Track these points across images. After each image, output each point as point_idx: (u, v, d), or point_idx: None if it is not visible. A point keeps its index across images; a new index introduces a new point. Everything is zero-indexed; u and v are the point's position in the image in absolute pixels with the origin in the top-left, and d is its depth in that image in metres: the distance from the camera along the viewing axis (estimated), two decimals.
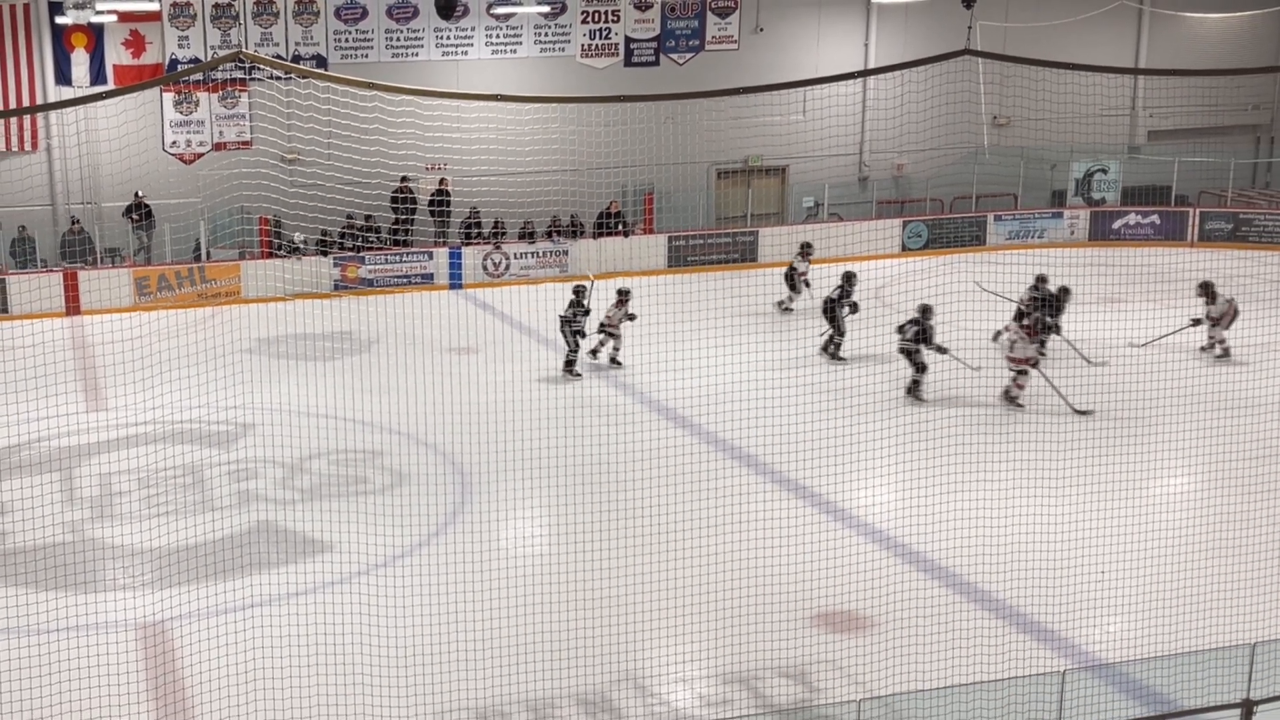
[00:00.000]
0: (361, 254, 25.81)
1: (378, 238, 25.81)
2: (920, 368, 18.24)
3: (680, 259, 27.70)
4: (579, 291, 20.21)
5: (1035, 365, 17.74)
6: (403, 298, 25.04)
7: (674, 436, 16.72)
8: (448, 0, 27.27)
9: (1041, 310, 19.29)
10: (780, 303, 23.59)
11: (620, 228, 27.74)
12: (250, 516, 14.30)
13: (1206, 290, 20.09)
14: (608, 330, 20.18)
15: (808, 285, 23.24)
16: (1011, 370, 17.80)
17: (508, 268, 26.82)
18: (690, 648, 11.36)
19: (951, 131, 26.16)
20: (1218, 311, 19.93)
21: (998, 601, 11.91)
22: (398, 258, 26.14)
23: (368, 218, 25.73)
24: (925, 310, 18.42)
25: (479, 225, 26.99)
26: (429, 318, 22.56)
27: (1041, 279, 20.35)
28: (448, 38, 27.99)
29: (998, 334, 19.53)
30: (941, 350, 17.99)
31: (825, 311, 20.79)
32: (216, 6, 26.46)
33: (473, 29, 28.09)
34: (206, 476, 15.64)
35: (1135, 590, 12.03)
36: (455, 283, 26.35)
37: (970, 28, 14.40)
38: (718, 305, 20.03)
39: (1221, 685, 8.79)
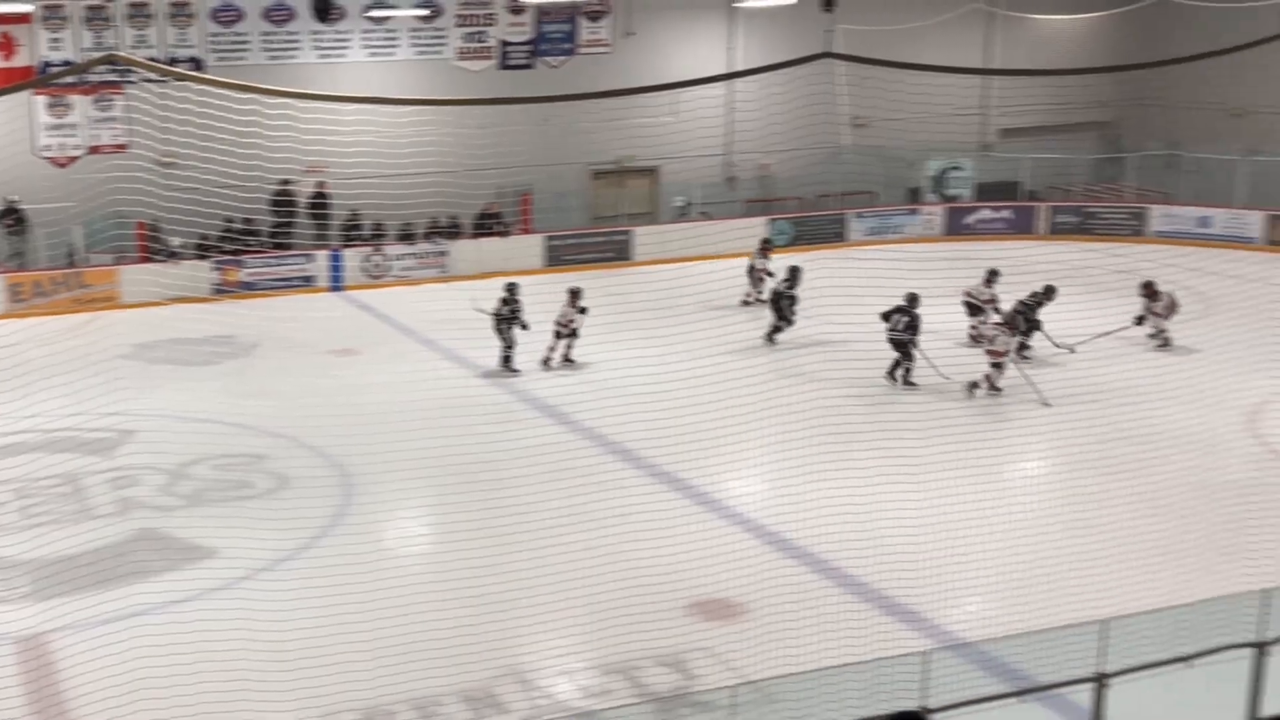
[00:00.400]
0: (241, 257, 25.22)
1: (257, 241, 25.24)
2: (908, 356, 18.61)
3: (557, 258, 27.53)
4: (511, 289, 20.00)
5: (1021, 357, 18.23)
6: (283, 300, 24.54)
7: (554, 433, 16.63)
8: (324, 3, 26.78)
9: (1026, 310, 19.73)
10: (744, 299, 23.74)
11: (498, 228, 27.51)
12: (131, 524, 13.87)
13: (1148, 289, 20.63)
14: (561, 328, 19.90)
15: (770, 276, 23.31)
16: (991, 361, 18.18)
17: (388, 269, 26.44)
18: (571, 640, 11.31)
19: (813, 132, 26.45)
20: (1161, 306, 20.45)
21: (864, 585, 12.05)
22: (278, 260, 25.62)
23: (247, 221, 25.14)
24: (913, 299, 18.86)
25: (359, 227, 26.57)
26: (310, 320, 22.13)
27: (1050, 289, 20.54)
28: (324, 41, 27.47)
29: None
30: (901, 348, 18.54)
31: (772, 303, 21.27)
32: (89, 8, 25.60)
33: (349, 32, 27.60)
34: (85, 485, 15.12)
35: (994, 571, 12.21)
36: (336, 285, 25.91)
37: (830, 31, 14.49)
38: (593, 303, 20.03)
39: (1076, 660, 8.87)
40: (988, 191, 31.37)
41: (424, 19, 28.05)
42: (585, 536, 12.54)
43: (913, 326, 18.69)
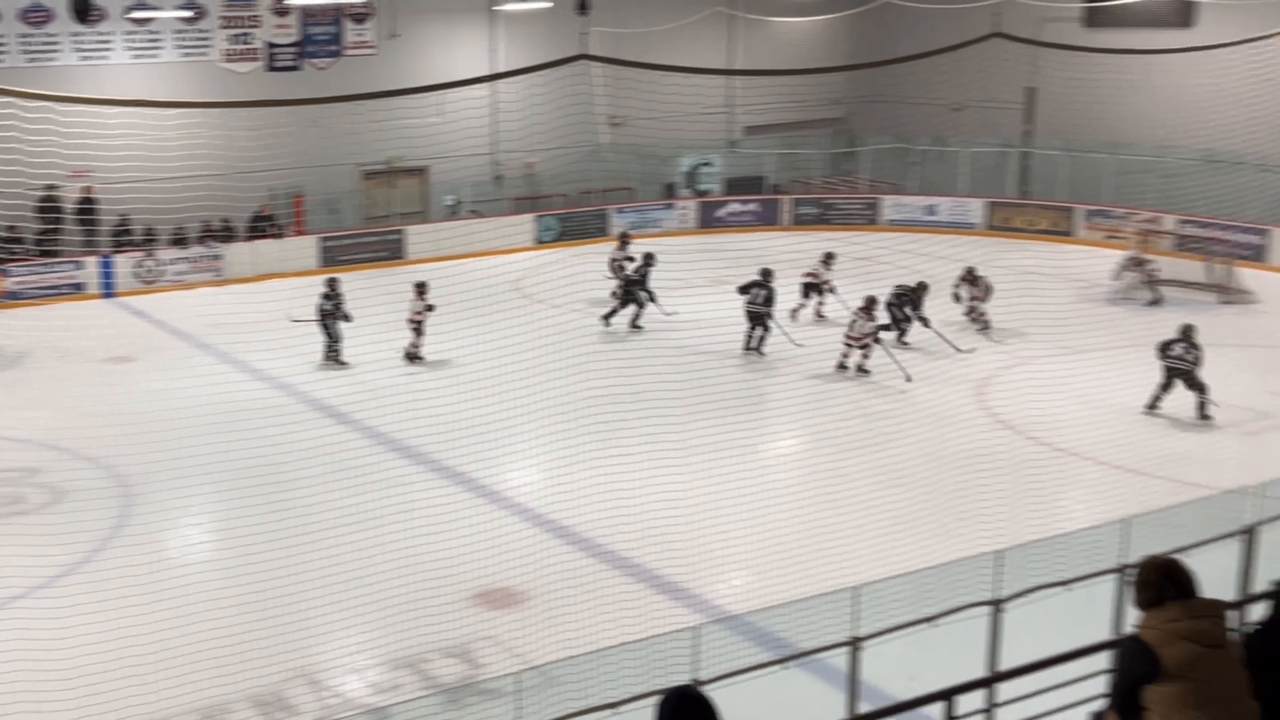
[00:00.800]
0: (5, 266, 23.68)
1: (23, 249, 23.74)
2: (765, 327, 19.51)
3: (332, 259, 26.72)
4: (331, 284, 19.59)
5: (877, 341, 18.62)
6: (53, 309, 23.15)
7: (335, 433, 16.15)
8: (83, 3, 25.32)
9: (903, 301, 20.23)
10: (614, 292, 23.47)
11: (272, 230, 26.62)
12: None
13: (970, 275, 21.40)
14: (413, 324, 19.45)
15: (631, 261, 23.14)
16: (851, 346, 18.64)
17: (161, 274, 25.26)
18: (359, 638, 11.08)
19: (574, 130, 26.53)
20: (980, 290, 21.17)
21: (638, 566, 12.16)
22: (45, 268, 24.16)
23: (10, 228, 23.62)
24: (767, 274, 19.53)
25: (129, 232, 25.28)
26: (83, 328, 20.92)
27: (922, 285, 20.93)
28: (86, 42, 25.96)
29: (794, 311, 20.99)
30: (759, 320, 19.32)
31: (623, 288, 21.57)
32: None
33: (111, 34, 26.14)
34: None
35: (755, 546, 12.51)
36: (108, 291, 24.61)
37: (585, 34, 14.50)
38: (369, 302, 19.55)
39: (832, 626, 9.02)
40: (736, 186, 31.92)
41: (187, 20, 26.81)
42: (369, 535, 12.35)
43: (769, 300, 19.45)
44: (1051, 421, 16.26)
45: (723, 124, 32.98)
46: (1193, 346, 16.68)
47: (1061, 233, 29.07)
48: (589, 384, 16.31)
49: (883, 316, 19.43)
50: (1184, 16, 28.68)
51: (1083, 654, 6.28)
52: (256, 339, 18.09)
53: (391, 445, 15.64)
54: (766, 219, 31.07)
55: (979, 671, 7.99)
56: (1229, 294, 23.36)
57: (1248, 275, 23.89)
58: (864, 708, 8.21)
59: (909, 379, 18.19)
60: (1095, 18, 30.31)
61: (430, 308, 19.45)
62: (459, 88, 23.97)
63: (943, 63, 19.56)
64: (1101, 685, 6.11)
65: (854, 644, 8.63)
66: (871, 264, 22.83)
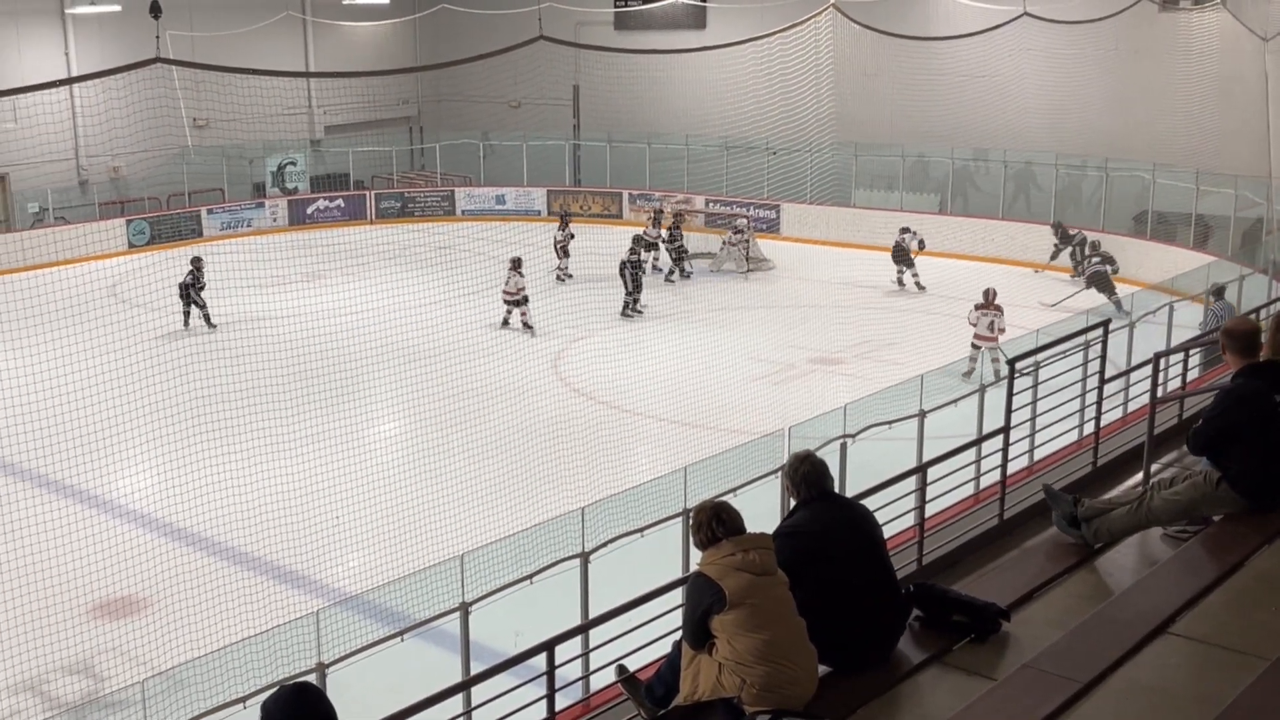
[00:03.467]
0: None
1: None
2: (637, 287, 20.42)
3: None
4: (196, 261, 19.77)
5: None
6: None
7: None
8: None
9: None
10: (558, 275, 22.79)
11: None
12: None
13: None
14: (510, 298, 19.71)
15: (566, 255, 22.48)
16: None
17: None
18: None
19: (159, 133, 24.49)
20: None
21: (256, 559, 11.54)
22: None
23: None
24: (637, 240, 20.57)
25: None
26: None
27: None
28: None
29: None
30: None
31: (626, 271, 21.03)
32: None
33: None
34: None
35: (368, 526, 12.20)
36: None
37: (159, 37, 13.43)
38: None
39: (444, 594, 8.87)
40: (321, 183, 30.84)
41: None
42: None
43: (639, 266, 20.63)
44: (617, 386, 16.80)
45: (305, 124, 31.75)
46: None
47: (613, 215, 30.20)
48: (193, 384, 15.32)
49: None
50: (699, 19, 30.43)
51: (661, 592, 6.46)
52: None
53: None
54: (353, 213, 30.25)
55: (575, 620, 8.18)
56: (752, 263, 25.04)
57: (766, 246, 25.73)
58: (477, 668, 8.20)
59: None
60: (623, 21, 31.60)
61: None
62: (33, 92, 21.64)
63: (499, 63, 19.73)
64: (679, 619, 6.38)
65: (464, 609, 8.55)
66: (452, 253, 22.73)
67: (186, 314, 20.53)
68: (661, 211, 25.16)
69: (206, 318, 20.55)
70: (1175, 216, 23.97)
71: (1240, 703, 4.50)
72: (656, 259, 23.93)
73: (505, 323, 20.14)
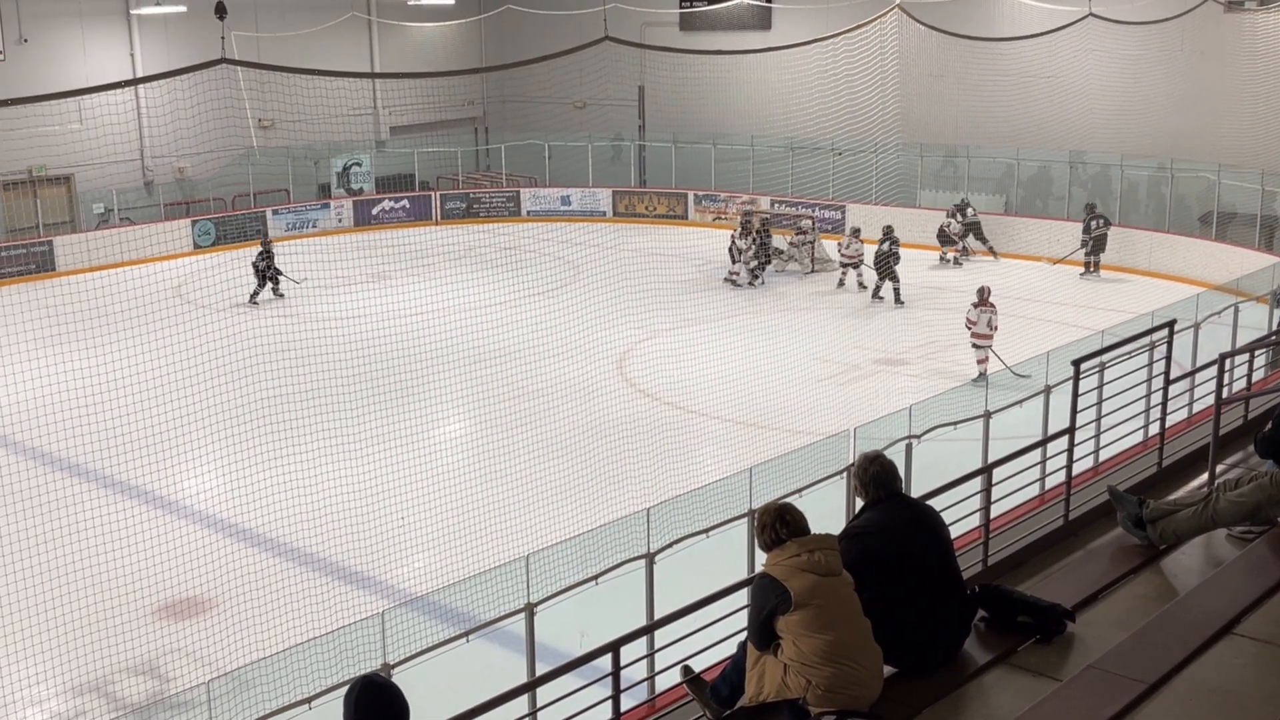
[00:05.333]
0: None
1: None
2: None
3: None
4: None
5: None
6: None
7: None
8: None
9: None
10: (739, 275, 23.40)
11: None
12: None
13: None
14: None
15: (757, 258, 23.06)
16: None
17: None
18: (38, 668, 9.94)
19: (224, 134, 25.07)
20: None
21: (322, 560, 11.74)
22: None
23: None
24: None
25: None
26: None
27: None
28: None
29: None
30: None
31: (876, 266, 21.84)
32: None
33: None
34: None
35: (433, 527, 12.35)
36: None
37: (224, 38, 13.72)
38: (19, 318, 17.78)
39: (509, 595, 8.96)
40: (386, 184, 31.28)
41: None
42: (39, 559, 11.15)
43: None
44: (682, 386, 16.89)
45: (370, 125, 32.23)
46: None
47: (677, 216, 30.29)
48: (258, 385, 15.62)
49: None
50: (764, 20, 30.43)
51: (726, 593, 6.51)
52: None
53: (56, 464, 14.23)
54: (419, 214, 30.65)
55: (640, 620, 8.24)
56: (817, 264, 25.03)
57: (830, 247, 25.68)
58: (542, 668, 8.31)
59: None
60: (688, 22, 31.71)
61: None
62: (99, 93, 22.18)
63: (565, 64, 19.93)
64: (745, 619, 6.43)
65: (529, 609, 8.62)
66: (518, 253, 22.95)
67: (260, 290, 21.63)
68: (750, 216, 25.21)
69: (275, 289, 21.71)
70: (1241, 217, 23.83)
71: None
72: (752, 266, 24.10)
73: (841, 283, 22.62)
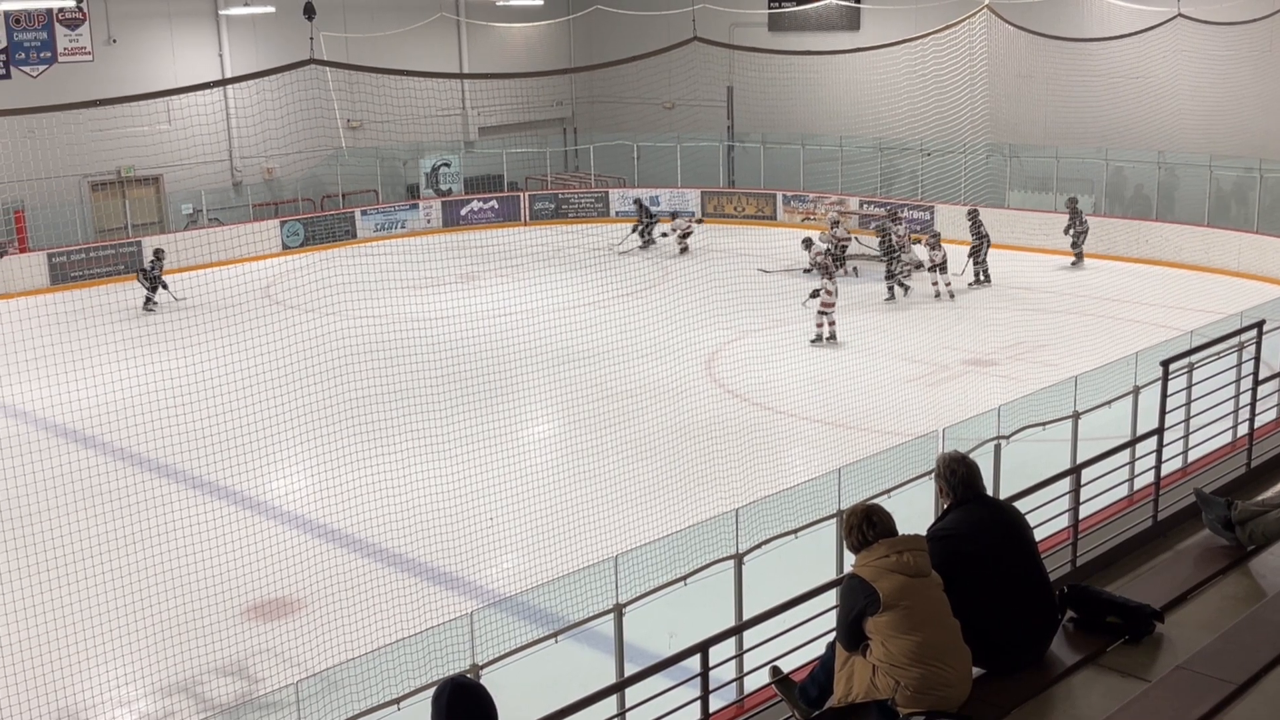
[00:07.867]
0: None
1: None
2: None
3: (63, 275, 24.76)
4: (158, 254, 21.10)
5: None
6: None
7: (78, 456, 14.66)
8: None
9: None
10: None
11: None
12: None
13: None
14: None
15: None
16: None
17: None
18: (127, 669, 10.21)
19: (312, 134, 25.72)
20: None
21: (410, 561, 11.91)
22: None
23: None
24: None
25: None
26: None
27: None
28: None
29: None
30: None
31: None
32: None
33: None
34: None
35: (521, 527, 12.58)
36: None
37: (312, 39, 14.11)
38: (108, 319, 18.34)
39: (597, 595, 9.01)
40: (475, 185, 31.78)
41: None
42: (128, 560, 11.41)
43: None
44: (771, 387, 16.96)
45: (459, 125, 32.69)
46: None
47: (766, 217, 30.33)
48: (348, 386, 16.01)
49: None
50: (853, 21, 30.38)
51: (815, 594, 6.60)
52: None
53: (145, 464, 14.52)
54: (507, 215, 31.10)
55: (729, 621, 8.30)
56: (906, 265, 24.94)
57: (920, 249, 25.51)
58: (631, 669, 8.45)
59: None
60: (777, 22, 31.75)
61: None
62: (187, 93, 22.77)
63: (653, 65, 20.14)
64: (833, 620, 6.53)
65: (618, 610, 8.75)
66: (607, 253, 23.16)
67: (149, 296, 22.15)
68: (838, 222, 25.29)
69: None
70: None
71: None
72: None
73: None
